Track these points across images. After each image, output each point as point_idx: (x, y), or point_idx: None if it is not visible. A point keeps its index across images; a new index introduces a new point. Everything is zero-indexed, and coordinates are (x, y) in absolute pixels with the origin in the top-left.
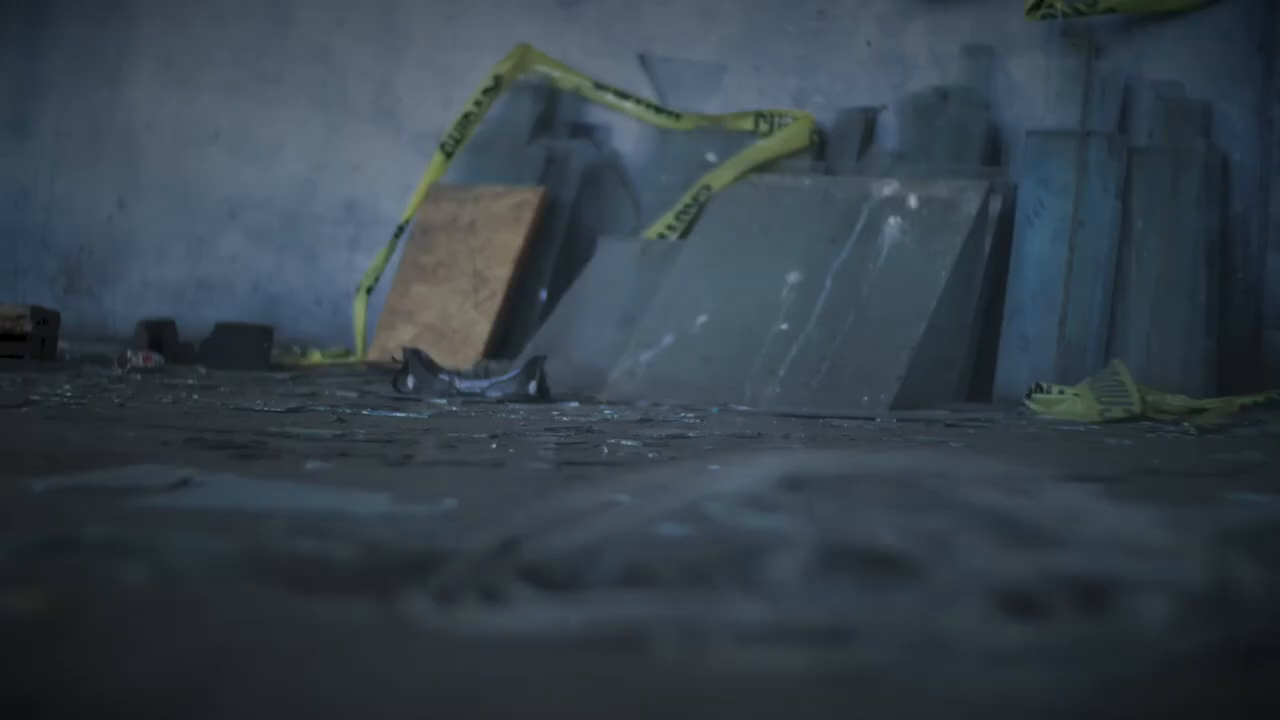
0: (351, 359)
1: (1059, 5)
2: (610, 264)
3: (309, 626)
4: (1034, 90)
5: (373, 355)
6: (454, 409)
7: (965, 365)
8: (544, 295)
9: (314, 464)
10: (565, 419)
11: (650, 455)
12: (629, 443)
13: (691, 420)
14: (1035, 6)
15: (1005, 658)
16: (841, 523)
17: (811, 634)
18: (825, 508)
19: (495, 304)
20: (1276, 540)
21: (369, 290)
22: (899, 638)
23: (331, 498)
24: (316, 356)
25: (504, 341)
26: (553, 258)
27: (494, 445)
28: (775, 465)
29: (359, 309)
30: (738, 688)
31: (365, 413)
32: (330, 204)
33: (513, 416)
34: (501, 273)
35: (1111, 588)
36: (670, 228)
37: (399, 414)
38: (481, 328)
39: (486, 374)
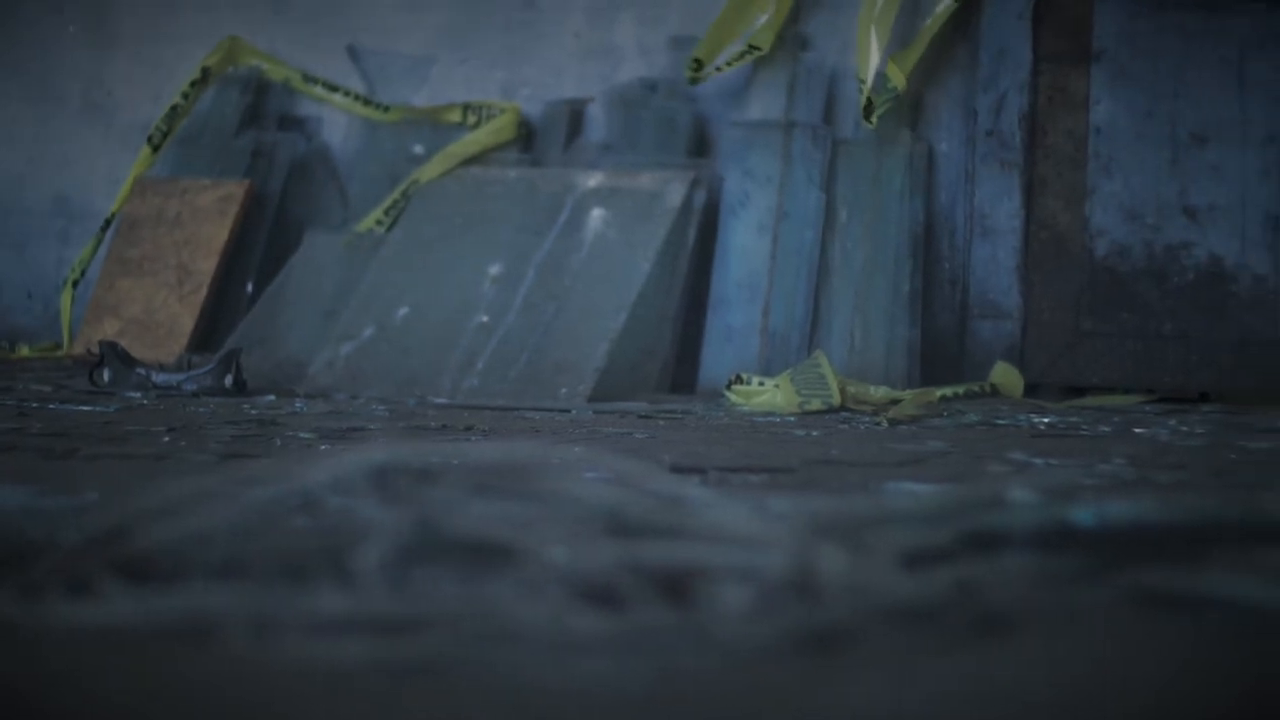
0: (60, 353)
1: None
2: (316, 256)
3: None
4: (740, 81)
5: (78, 349)
6: (145, 402)
7: (668, 357)
8: (250, 288)
9: None
10: (254, 412)
11: (322, 447)
12: (306, 435)
13: (382, 413)
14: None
15: (578, 647)
16: (436, 512)
17: (386, 624)
18: (423, 497)
19: (200, 297)
20: (877, 529)
21: (75, 284)
22: (474, 627)
23: None
24: (24, 350)
25: (210, 335)
26: (259, 251)
27: (167, 439)
28: (380, 455)
29: (65, 303)
30: (297, 678)
31: (52, 406)
32: (41, 198)
33: (201, 410)
34: (206, 266)
35: (697, 577)
36: (379, 222)
37: (85, 408)
38: (186, 321)
39: (189, 367)
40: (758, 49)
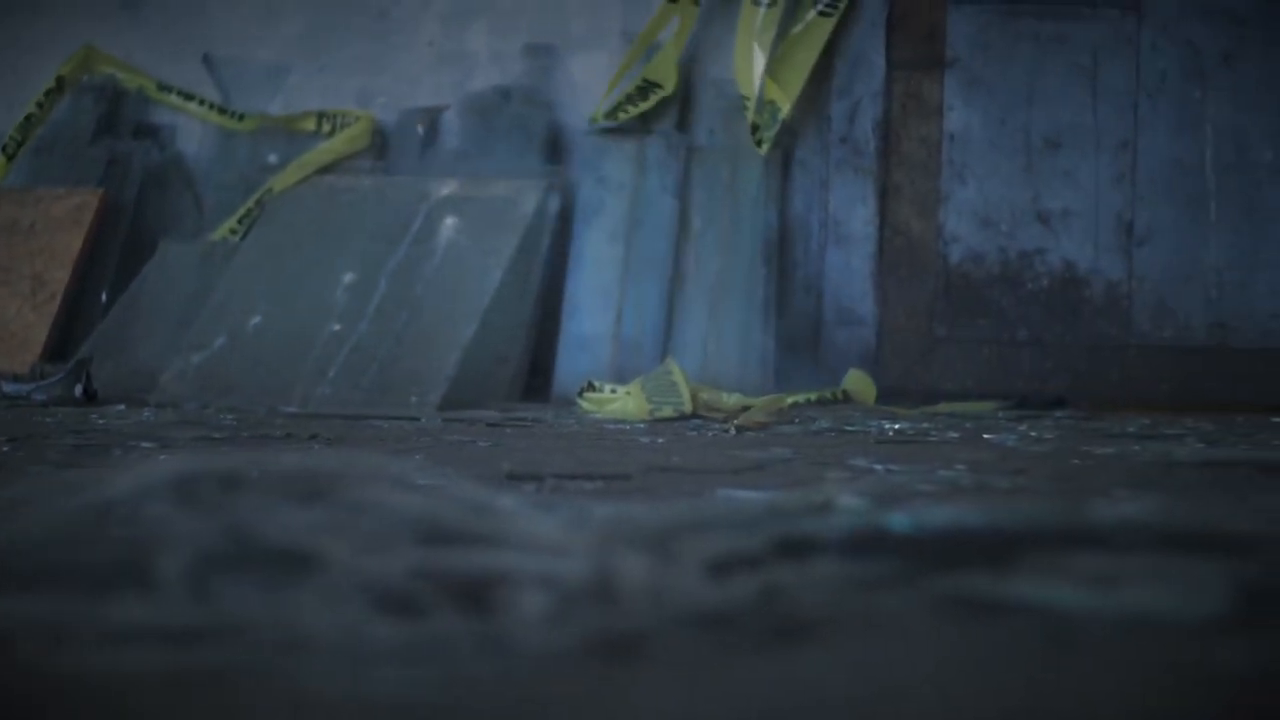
0: None
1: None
2: (170, 265)
3: None
4: (596, 89)
5: None
6: None
7: (521, 364)
8: (105, 298)
9: None
10: (101, 421)
11: (162, 456)
12: (148, 445)
13: (230, 422)
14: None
15: (368, 656)
16: (238, 522)
17: (180, 633)
18: (229, 505)
19: (53, 307)
20: (689, 536)
21: None
22: (265, 637)
23: None
24: None
25: (64, 345)
26: (114, 260)
27: (6, 448)
28: (189, 463)
29: None
30: (86, 688)
31: None
32: None
33: (48, 420)
34: (60, 275)
35: (497, 585)
36: (233, 230)
37: None
38: (40, 331)
39: (41, 377)
40: (659, 87)
